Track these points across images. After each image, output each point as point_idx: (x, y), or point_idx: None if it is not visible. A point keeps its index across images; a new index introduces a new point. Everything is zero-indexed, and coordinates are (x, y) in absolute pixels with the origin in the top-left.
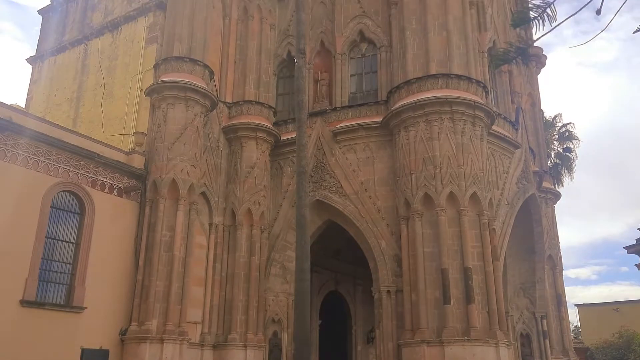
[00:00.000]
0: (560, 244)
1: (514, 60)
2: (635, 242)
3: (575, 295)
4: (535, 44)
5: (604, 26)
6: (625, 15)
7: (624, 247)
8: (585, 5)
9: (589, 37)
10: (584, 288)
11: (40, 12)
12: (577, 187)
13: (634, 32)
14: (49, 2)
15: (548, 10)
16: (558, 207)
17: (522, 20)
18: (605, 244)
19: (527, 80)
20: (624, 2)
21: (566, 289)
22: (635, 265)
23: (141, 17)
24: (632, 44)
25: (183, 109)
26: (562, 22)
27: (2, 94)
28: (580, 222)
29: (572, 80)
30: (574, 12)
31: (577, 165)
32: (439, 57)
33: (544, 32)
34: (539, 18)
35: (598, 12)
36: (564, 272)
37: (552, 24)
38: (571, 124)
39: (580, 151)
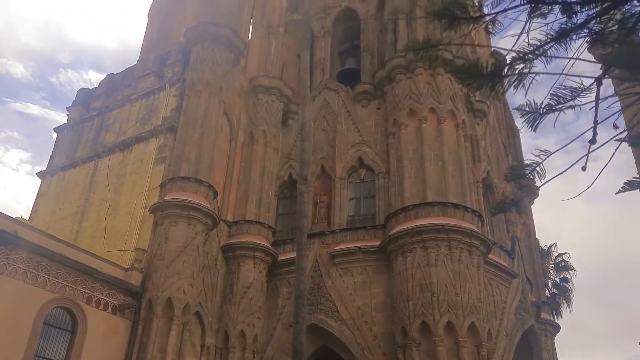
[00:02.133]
0: None
1: (509, 209)
2: None
3: None
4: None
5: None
6: (609, 149)
7: None
8: (574, 139)
9: (579, 165)
10: None
11: (56, 130)
12: (576, 318)
13: (616, 193)
14: (65, 121)
15: (538, 168)
16: (558, 339)
17: (516, 176)
18: None
19: (522, 210)
20: (604, 167)
21: None
22: None
23: (152, 138)
24: (618, 175)
25: (185, 227)
26: (551, 178)
27: (7, 205)
28: (580, 356)
29: (564, 209)
30: (563, 171)
31: (575, 296)
32: (435, 186)
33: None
34: (530, 175)
35: (583, 168)
36: None
37: (541, 180)
38: (567, 254)
39: (577, 281)
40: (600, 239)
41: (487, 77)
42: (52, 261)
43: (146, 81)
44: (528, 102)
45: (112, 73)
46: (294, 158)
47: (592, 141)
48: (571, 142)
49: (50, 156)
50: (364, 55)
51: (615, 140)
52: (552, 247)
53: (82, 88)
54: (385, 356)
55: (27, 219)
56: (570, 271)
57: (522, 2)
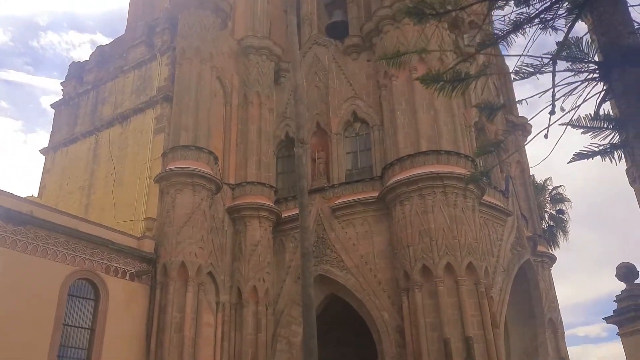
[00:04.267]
0: (567, 303)
1: (492, 152)
2: (612, 313)
3: (588, 353)
4: (523, 115)
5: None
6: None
7: (603, 318)
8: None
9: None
10: (595, 347)
11: (52, 105)
12: (578, 244)
13: (568, 163)
14: (61, 97)
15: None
16: (561, 266)
17: (483, 152)
18: (611, 298)
19: (515, 148)
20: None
21: (577, 348)
22: (617, 334)
23: (149, 109)
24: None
25: (190, 194)
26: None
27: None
28: (585, 279)
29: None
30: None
31: (576, 224)
32: (428, 134)
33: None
34: (495, 151)
35: (546, 136)
36: (573, 331)
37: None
38: (562, 187)
39: (576, 209)
40: (594, 162)
41: (451, 82)
42: (69, 236)
43: (136, 51)
44: (484, 100)
45: (101, 45)
46: (289, 116)
47: (552, 112)
48: (534, 116)
49: (51, 132)
50: (350, 7)
51: (560, 124)
52: (547, 181)
53: (73, 62)
54: (389, 299)
55: (36, 195)
56: (565, 202)
57: None
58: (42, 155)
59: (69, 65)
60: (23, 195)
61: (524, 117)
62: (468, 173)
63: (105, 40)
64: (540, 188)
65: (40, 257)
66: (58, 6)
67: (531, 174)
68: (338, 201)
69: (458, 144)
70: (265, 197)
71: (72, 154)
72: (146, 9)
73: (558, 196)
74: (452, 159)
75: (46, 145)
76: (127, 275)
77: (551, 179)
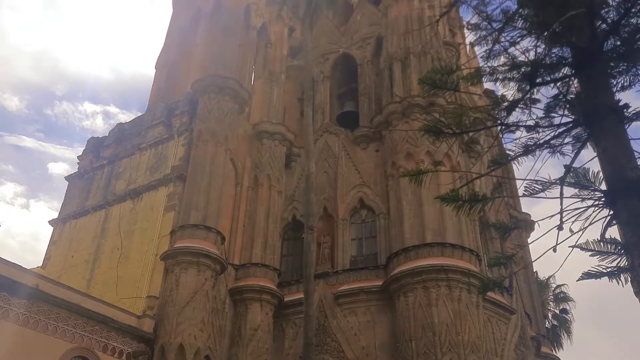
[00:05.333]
0: None
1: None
2: None
3: None
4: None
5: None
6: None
7: None
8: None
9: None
10: None
11: (67, 178)
12: (582, 346)
13: (577, 281)
14: (77, 170)
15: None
16: None
17: (495, 264)
18: None
19: (518, 244)
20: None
21: None
22: None
23: (162, 186)
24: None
25: (195, 273)
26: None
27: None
28: None
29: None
30: (537, 258)
31: (578, 324)
32: (434, 227)
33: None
34: (505, 264)
35: (554, 249)
36: None
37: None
38: (565, 285)
39: (580, 307)
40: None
41: (469, 202)
42: (70, 312)
43: (155, 131)
44: (499, 220)
45: (121, 122)
46: (297, 199)
47: (559, 227)
48: (541, 236)
49: (62, 204)
50: (361, 99)
51: (569, 247)
52: (551, 279)
53: (92, 137)
54: None
55: (40, 265)
56: (569, 302)
57: (494, 123)
58: (51, 226)
59: (87, 140)
60: (28, 267)
61: (527, 213)
62: (473, 267)
63: (117, 112)
64: (544, 285)
65: (41, 332)
66: (75, 76)
67: (534, 269)
68: (341, 288)
69: (463, 237)
70: (269, 279)
71: (80, 226)
72: (168, 92)
73: (562, 295)
74: (456, 252)
75: (50, 212)
76: (124, 355)
77: (554, 277)
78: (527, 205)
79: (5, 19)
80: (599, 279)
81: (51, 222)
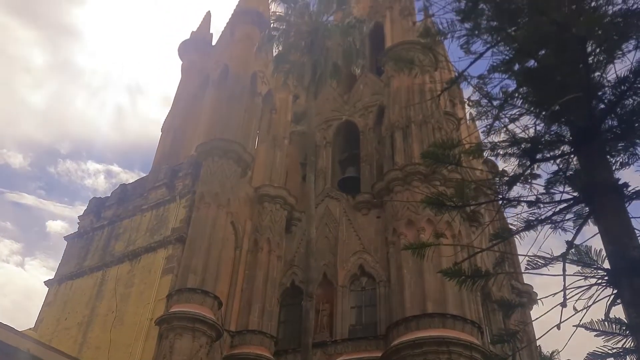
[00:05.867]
0: None
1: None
2: None
3: None
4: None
5: None
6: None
7: None
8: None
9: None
10: None
11: (66, 238)
12: None
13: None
14: (76, 229)
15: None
16: None
17: (499, 341)
18: None
19: (522, 319)
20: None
21: None
22: None
23: (161, 248)
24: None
25: (190, 339)
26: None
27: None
28: None
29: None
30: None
31: None
32: (435, 296)
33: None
34: (510, 341)
35: (558, 327)
36: None
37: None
38: None
39: None
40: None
41: (470, 277)
42: None
43: (157, 192)
44: (502, 297)
45: (124, 184)
46: (296, 264)
47: (563, 305)
48: (545, 314)
49: (59, 264)
50: (363, 165)
51: (574, 326)
52: (554, 354)
53: (94, 197)
54: None
55: (32, 327)
56: None
57: (496, 197)
58: (46, 287)
59: (90, 200)
60: (20, 328)
61: (529, 284)
62: (475, 340)
63: (119, 171)
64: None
65: None
66: (80, 134)
67: (538, 344)
68: (340, 359)
69: (464, 308)
70: (265, 347)
71: (76, 288)
72: (172, 155)
73: None
74: (458, 324)
75: (46, 271)
76: None
77: (558, 352)
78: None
79: (17, 77)
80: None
81: (47, 283)
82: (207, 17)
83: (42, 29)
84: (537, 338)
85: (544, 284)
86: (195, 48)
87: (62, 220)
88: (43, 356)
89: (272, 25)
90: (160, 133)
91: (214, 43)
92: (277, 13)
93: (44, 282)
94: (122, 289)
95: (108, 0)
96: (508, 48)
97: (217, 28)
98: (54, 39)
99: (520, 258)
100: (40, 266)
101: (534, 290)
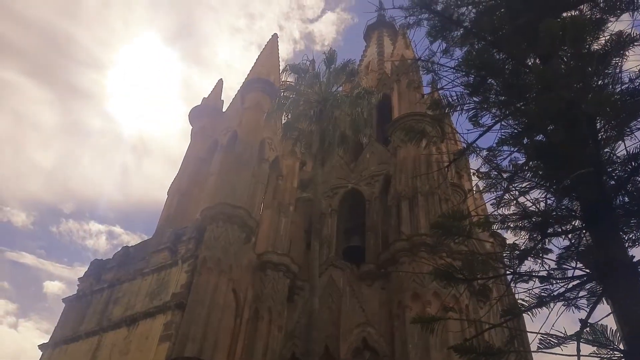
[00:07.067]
0: None
1: None
2: None
3: None
4: None
5: None
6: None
7: None
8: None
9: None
10: None
11: (64, 300)
12: None
13: None
14: (75, 292)
15: None
16: None
17: None
18: None
19: None
20: None
21: None
22: None
23: (160, 314)
24: None
25: None
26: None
27: None
28: None
29: None
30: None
31: None
32: None
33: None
34: None
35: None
36: None
37: None
38: None
39: None
40: None
41: (482, 354)
42: None
43: (159, 256)
44: None
45: (126, 246)
46: (297, 336)
47: None
48: None
49: (55, 327)
50: (368, 234)
51: None
52: None
53: (95, 259)
54: None
55: None
56: None
57: (506, 271)
58: (40, 351)
59: (91, 262)
60: None
61: None
62: None
63: (121, 232)
64: None
65: None
66: (84, 194)
67: None
68: None
69: None
70: None
71: (70, 353)
72: (177, 218)
73: None
74: None
75: (39, 333)
76: None
77: None
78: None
79: (26, 136)
80: None
81: (41, 347)
82: (219, 84)
83: (56, 90)
84: None
85: None
86: (205, 114)
87: (60, 281)
88: None
89: (282, 94)
90: (166, 196)
91: (224, 109)
92: (288, 82)
93: (38, 346)
94: (117, 356)
95: (126, 67)
96: (517, 122)
97: (228, 95)
98: (66, 100)
99: (531, 337)
100: (34, 328)
101: None
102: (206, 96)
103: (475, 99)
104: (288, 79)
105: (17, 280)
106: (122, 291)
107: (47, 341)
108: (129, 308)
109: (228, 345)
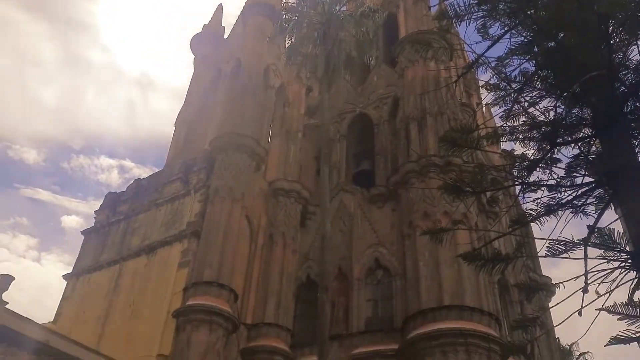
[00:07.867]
0: None
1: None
2: None
3: None
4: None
5: None
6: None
7: None
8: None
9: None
10: None
11: (83, 232)
12: None
13: (605, 346)
14: (93, 224)
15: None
16: None
17: (519, 327)
18: None
19: (539, 309)
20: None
21: None
22: None
23: (177, 242)
24: None
25: (207, 331)
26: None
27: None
28: None
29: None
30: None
31: None
32: (452, 289)
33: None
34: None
35: (580, 313)
36: None
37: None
38: (589, 353)
39: None
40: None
41: (490, 260)
42: None
43: (172, 187)
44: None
45: (139, 178)
46: (311, 258)
47: (584, 290)
48: (566, 298)
49: (77, 258)
50: (377, 158)
51: (596, 309)
52: (574, 346)
53: (110, 192)
54: None
55: (52, 321)
56: None
57: (515, 182)
58: (64, 280)
59: (105, 195)
60: (38, 322)
61: (547, 276)
62: (493, 332)
63: (132, 166)
64: (567, 353)
65: None
66: (92, 130)
67: (556, 336)
68: (356, 351)
69: (481, 300)
70: (282, 340)
71: (93, 282)
72: (186, 149)
73: None
74: (475, 316)
75: (62, 265)
76: None
77: (578, 344)
78: (547, 268)
79: (27, 72)
80: (628, 345)
81: (65, 277)
82: (219, 10)
83: (53, 24)
84: (555, 325)
85: (562, 277)
86: (207, 42)
87: (77, 215)
88: (64, 348)
89: (284, 16)
90: (174, 127)
91: (226, 36)
92: (289, 4)
93: (63, 276)
94: (138, 282)
95: None
96: (527, 30)
97: (228, 21)
98: (64, 33)
99: (539, 244)
100: (57, 261)
101: (553, 282)
102: (206, 23)
103: (483, 7)
104: (289, 1)
105: (35, 216)
106: (138, 222)
107: (70, 271)
108: (146, 238)
109: (244, 269)
